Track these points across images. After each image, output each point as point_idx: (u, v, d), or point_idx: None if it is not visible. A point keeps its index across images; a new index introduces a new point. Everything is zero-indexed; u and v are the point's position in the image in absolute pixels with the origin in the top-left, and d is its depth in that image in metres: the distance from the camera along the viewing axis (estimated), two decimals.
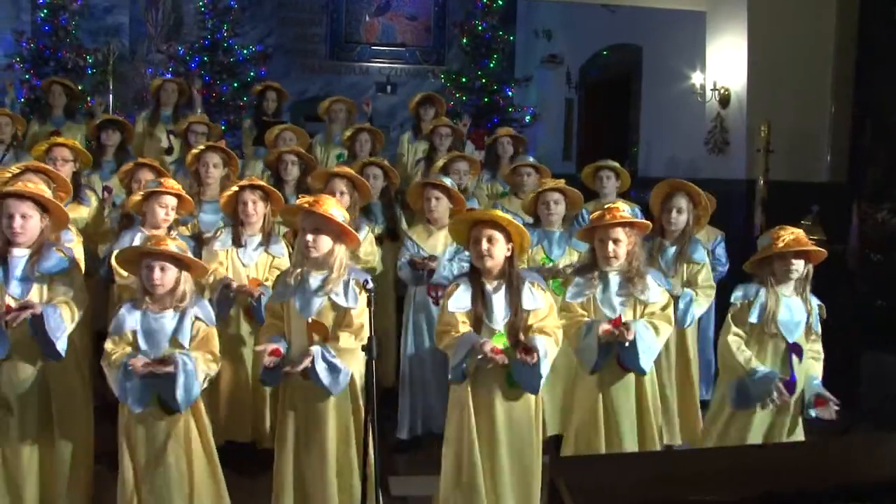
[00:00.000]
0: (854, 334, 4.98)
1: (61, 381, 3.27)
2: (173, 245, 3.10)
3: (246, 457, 3.90)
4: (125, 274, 3.51)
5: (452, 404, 3.24)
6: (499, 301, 3.16)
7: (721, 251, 4.91)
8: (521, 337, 3.12)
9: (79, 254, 3.72)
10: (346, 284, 3.14)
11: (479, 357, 3.04)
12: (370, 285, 2.83)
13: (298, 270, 3.20)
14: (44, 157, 4.64)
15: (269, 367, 3.11)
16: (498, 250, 3.14)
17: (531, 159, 5.43)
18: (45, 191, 3.30)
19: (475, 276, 3.22)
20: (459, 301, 3.18)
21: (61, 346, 3.12)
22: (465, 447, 3.14)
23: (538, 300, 3.18)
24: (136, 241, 3.82)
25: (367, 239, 4.37)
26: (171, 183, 4.02)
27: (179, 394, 2.96)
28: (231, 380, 4.00)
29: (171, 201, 3.96)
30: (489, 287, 3.19)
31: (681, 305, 4.01)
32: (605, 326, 3.26)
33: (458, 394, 3.21)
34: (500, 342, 3.09)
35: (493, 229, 3.13)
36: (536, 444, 3.21)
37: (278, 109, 7.05)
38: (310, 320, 3.15)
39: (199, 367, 3.04)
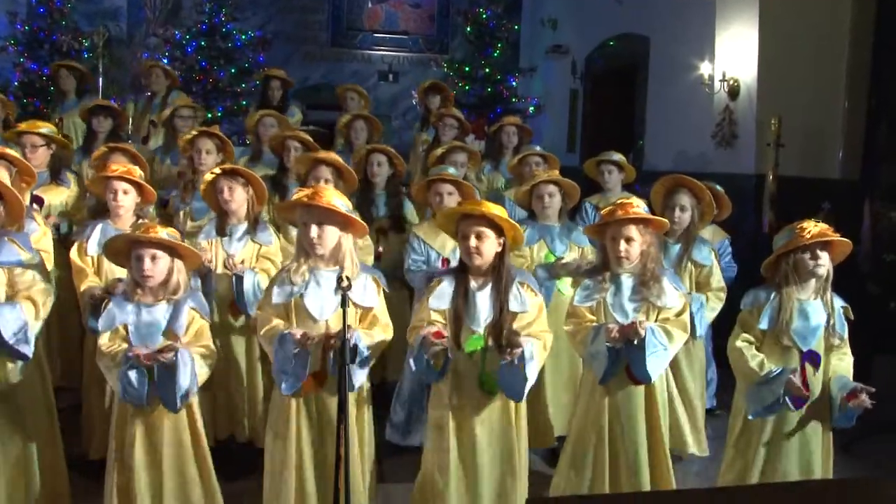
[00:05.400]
0: (866, 338, 4.79)
1: (24, 383, 3.06)
2: (164, 232, 2.92)
3: (239, 456, 3.73)
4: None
5: (431, 406, 3.07)
6: (483, 300, 2.96)
7: (728, 257, 4.63)
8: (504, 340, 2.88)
9: (46, 245, 3.51)
10: (362, 283, 2.97)
11: (434, 349, 2.82)
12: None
13: (305, 268, 2.98)
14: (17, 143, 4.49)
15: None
16: (487, 247, 2.93)
17: (538, 148, 5.25)
18: None
19: (461, 271, 3.02)
20: (440, 298, 2.99)
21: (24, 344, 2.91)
22: (442, 454, 2.97)
23: (526, 303, 2.97)
24: (97, 232, 3.63)
25: None
26: (135, 170, 3.78)
27: (179, 389, 2.79)
28: (224, 375, 3.79)
29: (124, 187, 3.69)
30: (474, 284, 2.99)
31: (692, 310, 3.72)
32: (612, 327, 3.01)
33: (436, 398, 3.03)
34: (475, 345, 2.89)
35: (481, 225, 2.91)
36: (518, 457, 3.01)
37: (283, 98, 6.91)
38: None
39: (196, 365, 2.87)
